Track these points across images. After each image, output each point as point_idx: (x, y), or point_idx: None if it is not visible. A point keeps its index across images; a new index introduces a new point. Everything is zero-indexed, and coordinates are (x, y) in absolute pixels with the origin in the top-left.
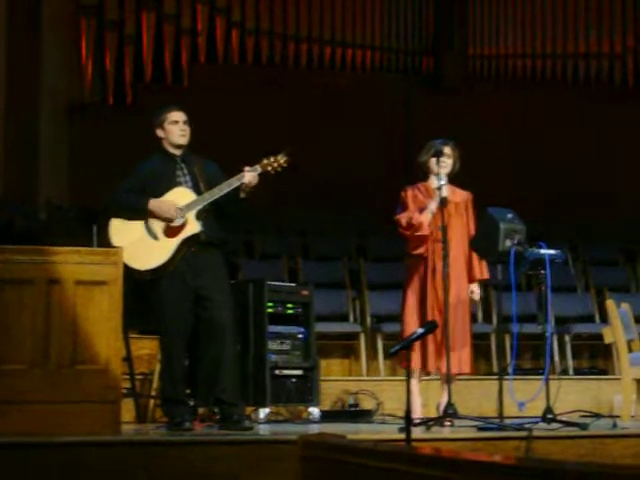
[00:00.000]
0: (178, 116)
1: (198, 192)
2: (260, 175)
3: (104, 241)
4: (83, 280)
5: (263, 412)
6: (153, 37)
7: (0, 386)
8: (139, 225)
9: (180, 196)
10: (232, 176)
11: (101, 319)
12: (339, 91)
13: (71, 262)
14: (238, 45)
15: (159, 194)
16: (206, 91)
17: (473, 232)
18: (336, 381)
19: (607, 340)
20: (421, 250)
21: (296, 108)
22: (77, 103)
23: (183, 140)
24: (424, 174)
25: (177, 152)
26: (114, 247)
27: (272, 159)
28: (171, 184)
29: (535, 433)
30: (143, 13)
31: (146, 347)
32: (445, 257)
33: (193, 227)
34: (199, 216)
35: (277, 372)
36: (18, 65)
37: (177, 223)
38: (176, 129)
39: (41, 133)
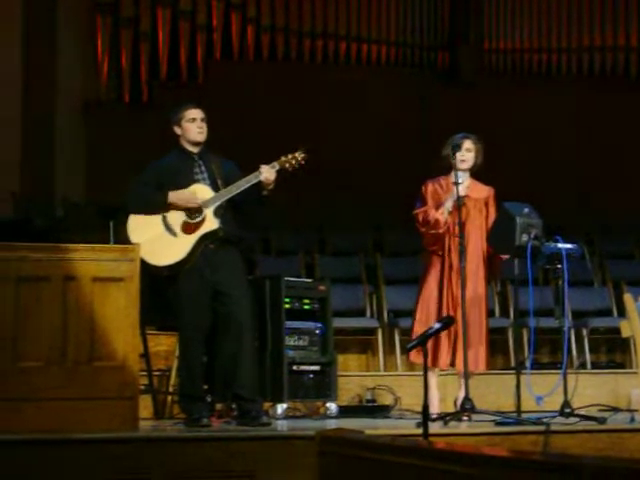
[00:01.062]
0: (196, 113)
1: (216, 189)
2: (278, 172)
3: (121, 237)
4: (100, 277)
5: (281, 408)
6: (168, 34)
7: (18, 383)
8: (157, 221)
9: (198, 192)
10: (249, 174)
11: (118, 316)
12: (355, 86)
13: (88, 259)
14: (254, 41)
15: (176, 190)
16: (222, 88)
17: None
18: (353, 376)
19: (624, 334)
20: (436, 247)
21: (312, 104)
22: (93, 101)
23: (201, 137)
24: (447, 168)
25: (194, 149)
26: (131, 243)
27: (290, 156)
28: (189, 181)
29: (553, 427)
30: (158, 10)
31: (163, 343)
32: (462, 253)
33: (211, 223)
34: (217, 213)
35: (294, 368)
36: (34, 63)
37: (195, 219)
38: (193, 127)
39: (57, 131)
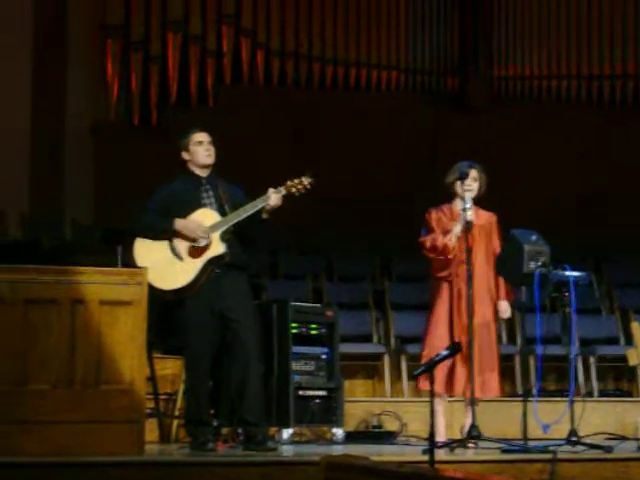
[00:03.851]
0: (202, 137)
1: (223, 214)
2: (284, 197)
3: (129, 260)
4: (108, 300)
5: (287, 433)
6: (178, 58)
7: (25, 406)
8: (164, 245)
9: (205, 217)
10: (256, 199)
11: (125, 339)
12: (364, 112)
13: (96, 282)
14: (263, 66)
15: (184, 215)
16: (231, 112)
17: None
18: (360, 402)
19: (631, 362)
20: (445, 273)
21: (321, 129)
22: (102, 123)
23: (209, 160)
24: (450, 196)
25: (203, 173)
26: (139, 267)
27: (296, 181)
28: (196, 206)
29: (559, 456)
30: (168, 34)
31: (170, 367)
32: (469, 279)
33: (217, 248)
34: (223, 237)
35: (301, 393)
36: (44, 86)
37: (202, 244)
38: (201, 149)
39: (66, 153)
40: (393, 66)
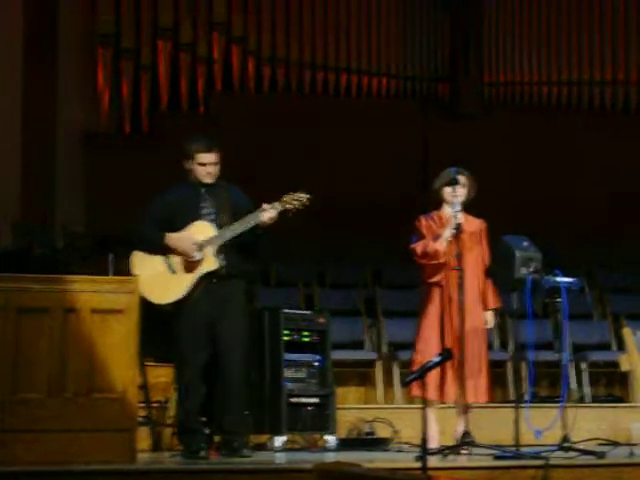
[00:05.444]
0: (206, 158)
1: (220, 225)
2: (280, 213)
3: (120, 268)
4: (99, 308)
5: (279, 440)
6: (169, 65)
7: (17, 415)
8: (159, 259)
9: (200, 231)
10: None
11: (117, 347)
12: (355, 118)
13: (87, 290)
14: (254, 73)
15: (182, 225)
16: (222, 119)
17: (488, 260)
18: (352, 409)
19: (624, 368)
20: (437, 278)
21: (312, 136)
22: (93, 131)
23: (207, 180)
24: (438, 202)
25: (204, 182)
26: (129, 276)
27: (293, 196)
28: (194, 215)
29: (552, 461)
30: (159, 42)
31: (162, 375)
32: (461, 285)
33: (210, 264)
34: (219, 251)
35: (293, 400)
36: (35, 94)
37: (196, 258)
38: (201, 169)
39: (58, 161)
40: (383, 72)
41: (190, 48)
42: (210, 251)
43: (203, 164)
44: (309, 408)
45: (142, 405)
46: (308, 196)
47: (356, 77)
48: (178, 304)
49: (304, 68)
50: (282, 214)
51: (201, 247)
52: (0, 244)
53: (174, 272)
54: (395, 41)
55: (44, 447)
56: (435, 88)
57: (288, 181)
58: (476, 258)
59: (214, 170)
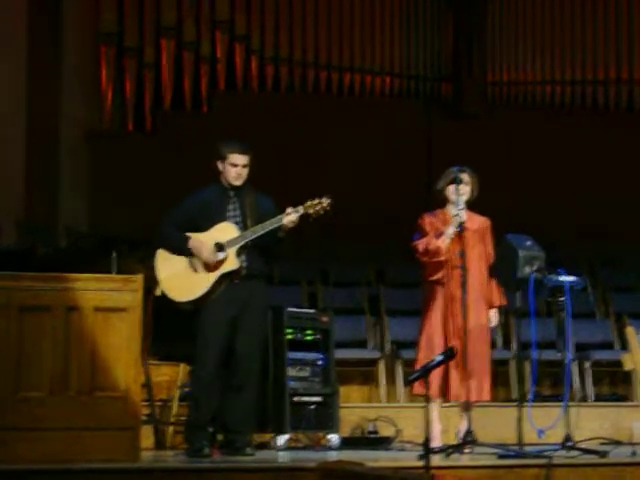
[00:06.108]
0: (239, 160)
1: (244, 227)
2: (301, 217)
3: (124, 267)
4: (102, 307)
5: (282, 439)
6: (172, 64)
7: (20, 413)
8: (182, 257)
9: (224, 231)
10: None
11: (120, 346)
12: (358, 118)
13: (90, 289)
14: (257, 72)
15: (208, 225)
16: (225, 118)
17: (491, 259)
18: (355, 408)
19: (627, 367)
20: (438, 276)
21: (315, 135)
22: (97, 129)
23: (237, 182)
24: (442, 201)
25: (231, 187)
26: (133, 274)
27: (316, 201)
28: (221, 217)
29: (555, 461)
30: (163, 40)
31: (165, 373)
32: (464, 284)
33: (232, 263)
34: (240, 252)
35: (296, 399)
36: (39, 92)
37: (218, 258)
38: (233, 171)
39: (61, 160)
40: (387, 72)
41: (193, 47)
42: (232, 251)
43: (235, 165)
44: (312, 407)
45: (145, 403)
46: (330, 201)
47: (359, 76)
48: (199, 303)
49: (307, 67)
50: (303, 218)
51: (223, 247)
52: (3, 243)
53: (196, 271)
54: (398, 40)
55: (47, 445)
56: (438, 87)
57: (291, 180)
58: (479, 256)
59: (244, 172)
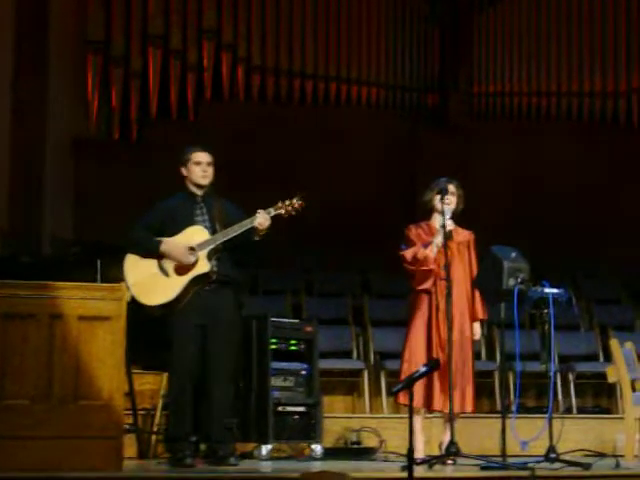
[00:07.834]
0: (202, 157)
1: (214, 232)
2: (273, 218)
3: (108, 276)
4: (86, 315)
5: (265, 449)
6: (159, 73)
7: (2, 421)
8: (152, 261)
9: (194, 234)
10: (249, 215)
11: (104, 354)
12: (344, 128)
13: (74, 297)
14: (244, 81)
15: (176, 231)
16: (212, 127)
17: (475, 271)
18: (339, 418)
19: (611, 379)
20: (427, 285)
21: (301, 145)
22: (83, 138)
23: (204, 181)
24: (428, 212)
25: (199, 192)
26: (121, 282)
27: (287, 202)
28: (189, 223)
29: (538, 472)
30: (149, 49)
31: (149, 382)
32: (448, 295)
33: (203, 266)
34: (211, 255)
35: (280, 409)
36: (24, 100)
37: (190, 260)
38: (198, 170)
39: (46, 168)
40: (373, 82)
41: (180, 56)
42: (203, 254)
43: (199, 162)
44: (296, 417)
45: (128, 412)
46: (301, 201)
47: (346, 86)
48: (168, 309)
49: (294, 77)
50: (276, 219)
51: (194, 250)
52: None
53: (166, 274)
54: (385, 51)
55: (29, 454)
56: (425, 98)
57: (276, 189)
58: (464, 268)
59: (210, 170)
